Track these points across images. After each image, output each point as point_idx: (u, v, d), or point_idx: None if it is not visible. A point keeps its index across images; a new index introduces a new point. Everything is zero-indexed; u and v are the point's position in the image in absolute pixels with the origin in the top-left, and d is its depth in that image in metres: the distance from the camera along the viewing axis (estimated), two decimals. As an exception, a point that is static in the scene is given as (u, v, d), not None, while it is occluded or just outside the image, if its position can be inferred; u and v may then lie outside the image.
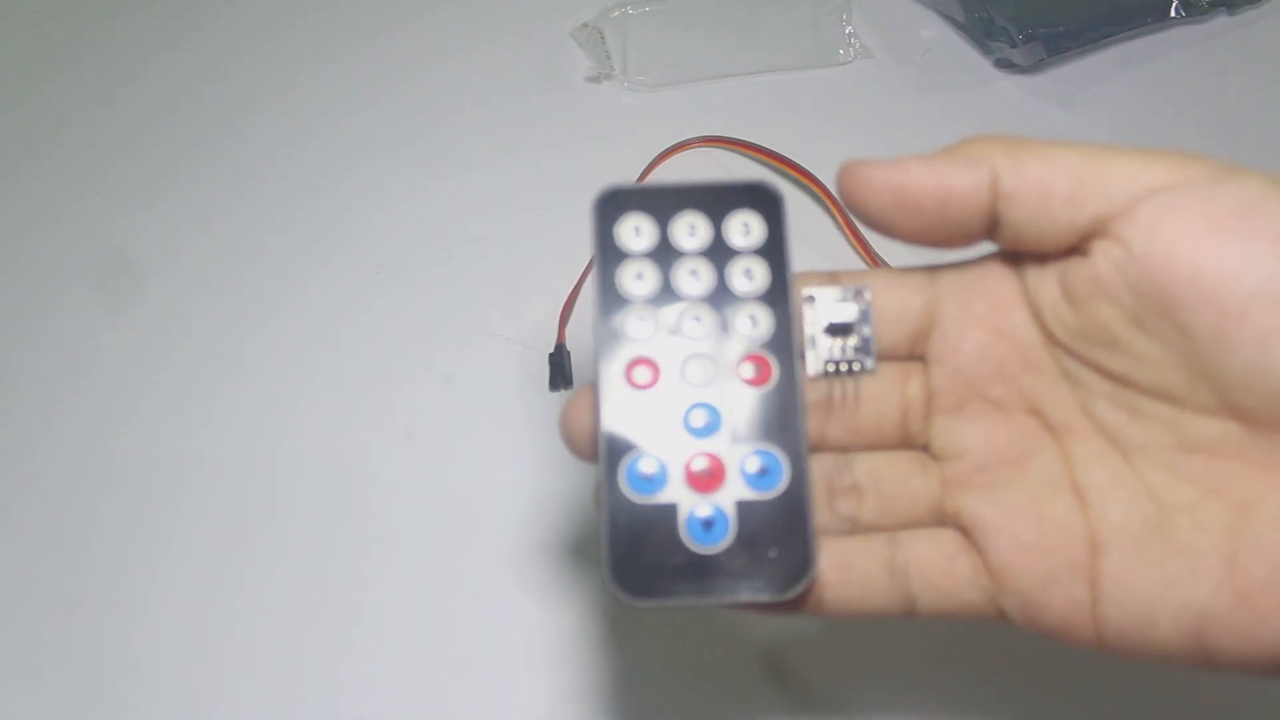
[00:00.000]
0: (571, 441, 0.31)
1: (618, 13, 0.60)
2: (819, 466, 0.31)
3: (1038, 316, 0.30)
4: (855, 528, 0.31)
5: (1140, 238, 0.27)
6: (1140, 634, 0.28)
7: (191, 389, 0.50)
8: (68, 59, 0.61)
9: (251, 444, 0.49)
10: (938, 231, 0.29)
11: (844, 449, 0.31)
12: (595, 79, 0.60)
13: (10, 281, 0.53)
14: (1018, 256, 0.30)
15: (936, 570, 0.30)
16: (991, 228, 0.29)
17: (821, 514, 0.30)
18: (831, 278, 0.31)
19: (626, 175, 0.53)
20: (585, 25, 0.61)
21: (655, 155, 0.56)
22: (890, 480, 0.31)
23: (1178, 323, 0.26)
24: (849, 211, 0.30)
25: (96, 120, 0.58)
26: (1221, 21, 0.62)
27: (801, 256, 0.30)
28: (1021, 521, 0.29)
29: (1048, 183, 0.28)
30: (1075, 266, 0.28)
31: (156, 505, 0.47)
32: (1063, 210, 0.28)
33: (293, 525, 0.47)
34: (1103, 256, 0.27)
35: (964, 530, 0.30)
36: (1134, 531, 0.28)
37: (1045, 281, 0.29)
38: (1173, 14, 0.60)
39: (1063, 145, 0.28)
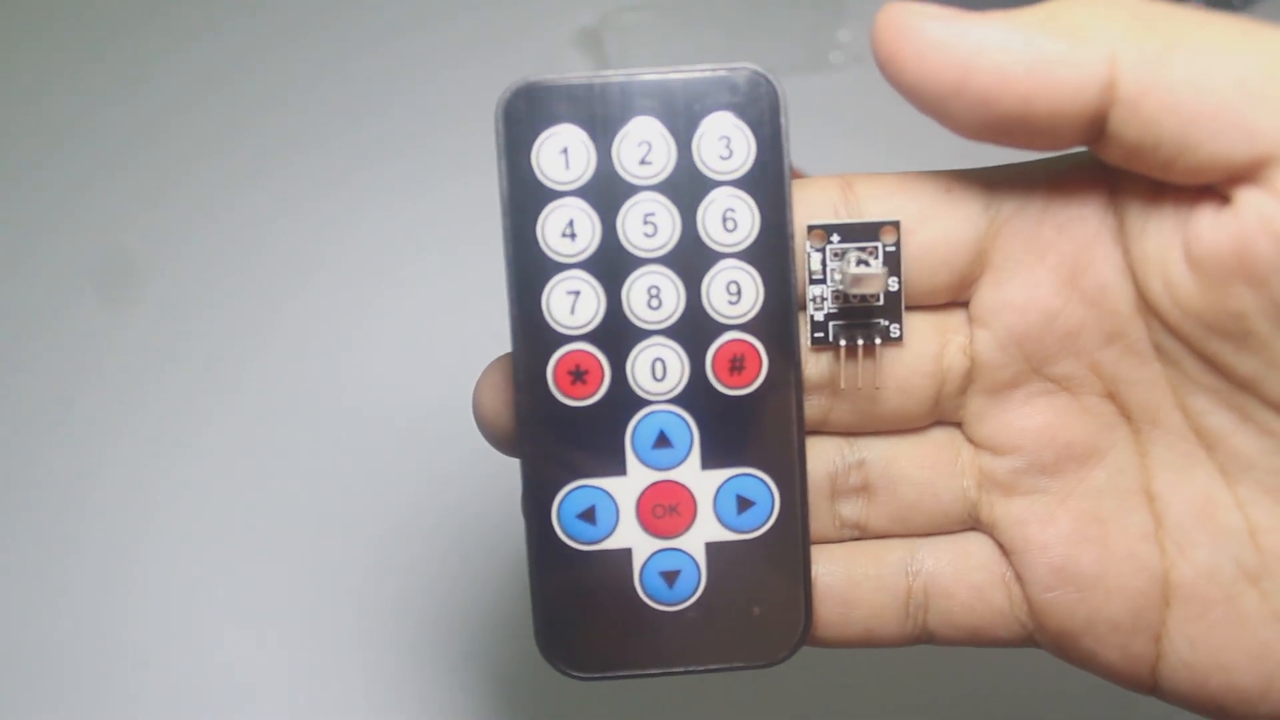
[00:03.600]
0: (486, 425, 0.20)
1: (617, 17, 0.54)
2: (818, 455, 0.20)
3: (1135, 273, 0.19)
4: (863, 534, 0.21)
5: None
6: (1211, 701, 0.19)
7: (192, 390, 0.45)
8: (73, 62, 0.56)
9: (255, 443, 0.43)
10: (1009, 132, 0.18)
11: (852, 433, 0.21)
12: (595, 83, 0.52)
13: (12, 283, 0.48)
14: (1119, 177, 0.19)
15: (961, 602, 0.21)
16: (1092, 137, 0.18)
17: (821, 519, 0.21)
18: (844, 189, 0.20)
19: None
20: (585, 30, 0.55)
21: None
22: (911, 477, 0.21)
23: None
24: (890, 80, 0.18)
25: (101, 123, 0.53)
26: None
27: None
28: (1079, 547, 0.20)
29: (1201, 95, 0.16)
30: (1210, 219, 0.17)
31: (157, 505, 0.42)
32: (1213, 136, 0.17)
33: (292, 523, 0.41)
34: (1256, 216, 0.17)
35: (1001, 547, 0.21)
36: (1223, 580, 0.19)
37: (1158, 228, 0.18)
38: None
39: (1229, 29, 0.17)
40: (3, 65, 0.56)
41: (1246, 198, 0.17)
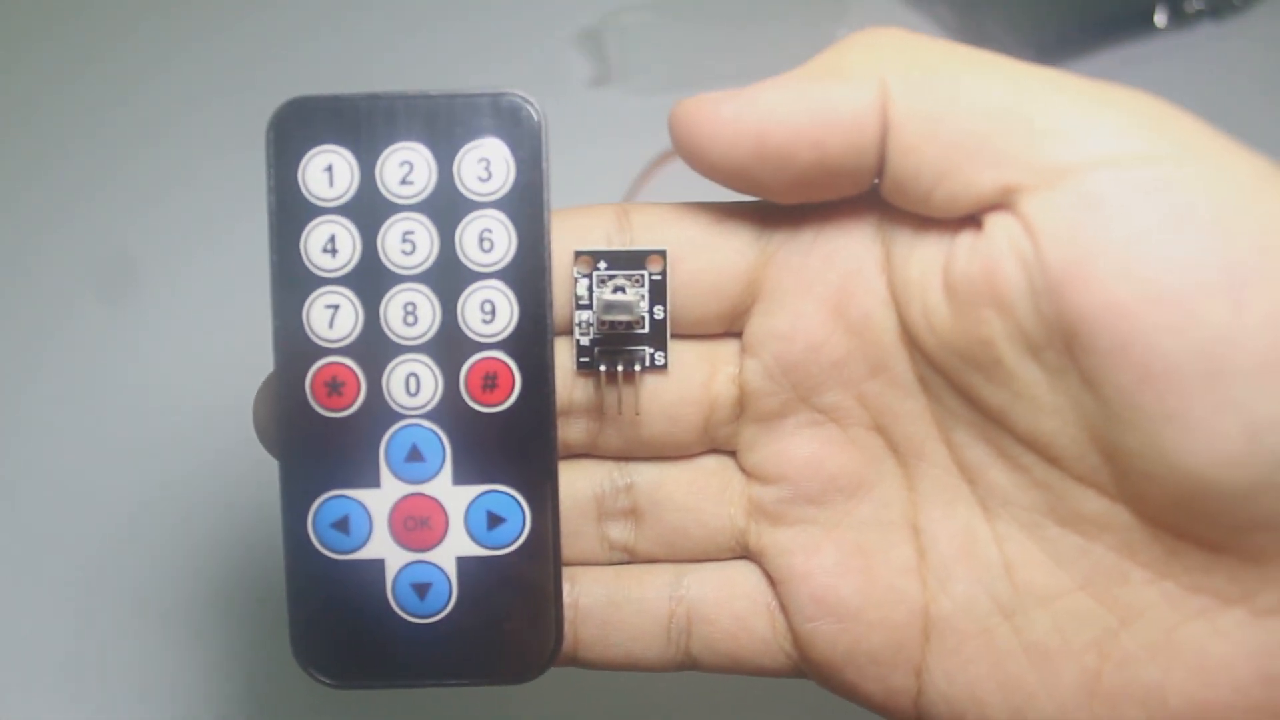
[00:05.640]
0: (260, 433, 0.20)
1: (619, 17, 0.52)
2: (586, 477, 0.20)
3: (898, 303, 0.18)
4: (632, 558, 0.20)
5: (1056, 231, 0.16)
6: None
7: (194, 392, 0.42)
8: (74, 65, 0.54)
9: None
10: (817, 184, 0.18)
11: (622, 458, 0.20)
12: (597, 84, 0.52)
13: (15, 285, 0.46)
14: (888, 212, 0.18)
15: (723, 629, 0.20)
16: (882, 169, 0.17)
17: (587, 540, 0.20)
18: (620, 217, 0.19)
19: (627, 179, 0.45)
20: (585, 30, 0.53)
21: (653, 159, 0.47)
22: (679, 503, 0.20)
23: (1083, 368, 0.16)
24: (697, 169, 0.18)
25: (103, 125, 0.51)
26: (1208, 30, 0.51)
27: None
28: (841, 579, 0.19)
29: (954, 122, 0.16)
30: (966, 246, 0.17)
31: (156, 503, 0.39)
32: (964, 164, 0.16)
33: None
34: (1004, 241, 0.16)
35: (769, 577, 0.20)
36: (978, 615, 0.18)
37: (920, 257, 0.18)
38: (1158, 23, 0.50)
39: (985, 64, 0.17)
40: (3, 65, 0.54)
41: (996, 223, 0.16)
